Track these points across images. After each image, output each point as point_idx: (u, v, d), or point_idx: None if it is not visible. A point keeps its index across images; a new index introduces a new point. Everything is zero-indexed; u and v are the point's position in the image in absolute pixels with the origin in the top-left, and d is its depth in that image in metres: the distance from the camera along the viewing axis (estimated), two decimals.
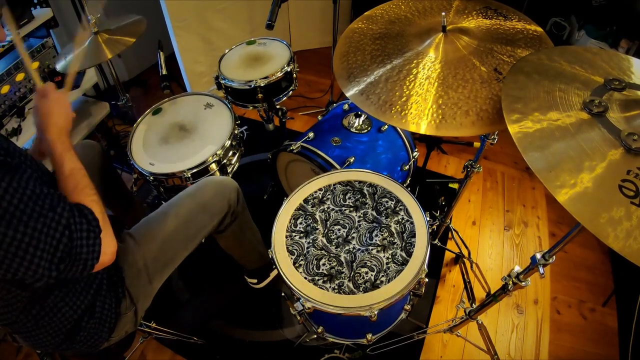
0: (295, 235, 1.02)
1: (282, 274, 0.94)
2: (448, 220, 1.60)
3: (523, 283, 0.95)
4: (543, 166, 0.62)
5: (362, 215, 1.05)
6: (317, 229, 1.03)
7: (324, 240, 1.01)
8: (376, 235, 1.00)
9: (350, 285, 0.92)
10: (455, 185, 2.00)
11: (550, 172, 0.61)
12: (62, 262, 0.70)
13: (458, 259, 1.70)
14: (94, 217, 0.76)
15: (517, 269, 0.97)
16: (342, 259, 0.97)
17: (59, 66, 1.45)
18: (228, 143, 1.38)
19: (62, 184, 0.81)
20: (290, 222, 1.05)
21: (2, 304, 0.78)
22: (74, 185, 0.81)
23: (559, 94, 0.71)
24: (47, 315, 0.84)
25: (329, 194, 1.10)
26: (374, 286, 0.91)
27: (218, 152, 1.35)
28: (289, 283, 0.92)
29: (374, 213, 1.05)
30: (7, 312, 0.80)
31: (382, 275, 0.93)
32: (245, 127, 2.17)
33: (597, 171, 0.60)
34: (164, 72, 1.49)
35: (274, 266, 0.96)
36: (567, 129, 0.65)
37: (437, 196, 1.87)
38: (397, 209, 1.05)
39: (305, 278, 0.93)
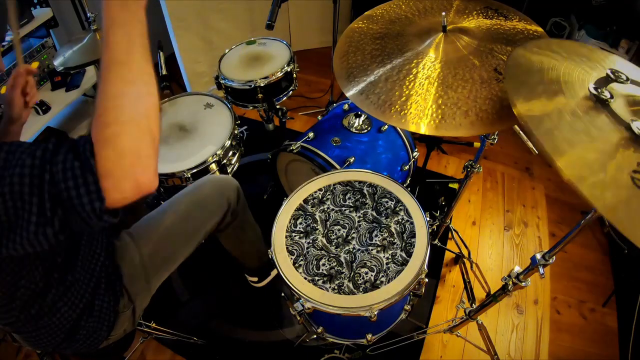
0: (295, 236, 1.02)
1: (281, 274, 0.94)
2: (448, 221, 1.60)
3: (523, 283, 0.95)
4: (553, 148, 0.60)
5: (362, 216, 1.05)
6: (317, 229, 1.03)
7: (324, 240, 1.00)
8: (376, 236, 1.00)
9: (350, 285, 0.92)
10: (455, 186, 1.99)
11: (561, 156, 0.59)
12: (55, 213, 0.55)
13: (458, 259, 1.70)
14: (86, 147, 0.53)
15: (517, 269, 0.97)
16: (342, 259, 0.96)
17: (56, 62, 1.44)
18: (228, 143, 1.38)
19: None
20: (290, 222, 1.05)
21: (2, 302, 0.78)
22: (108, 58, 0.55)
23: (563, 79, 0.70)
24: (46, 315, 0.83)
25: (328, 194, 1.10)
26: (374, 286, 0.91)
27: (218, 152, 1.34)
28: (288, 283, 0.92)
29: (374, 213, 1.05)
30: (7, 310, 0.80)
31: (382, 276, 0.93)
32: (245, 127, 2.17)
33: (610, 158, 0.59)
34: (164, 72, 1.48)
35: (274, 266, 0.96)
36: (575, 113, 0.64)
37: (437, 196, 1.87)
38: (397, 209, 1.05)
39: (305, 278, 0.93)
